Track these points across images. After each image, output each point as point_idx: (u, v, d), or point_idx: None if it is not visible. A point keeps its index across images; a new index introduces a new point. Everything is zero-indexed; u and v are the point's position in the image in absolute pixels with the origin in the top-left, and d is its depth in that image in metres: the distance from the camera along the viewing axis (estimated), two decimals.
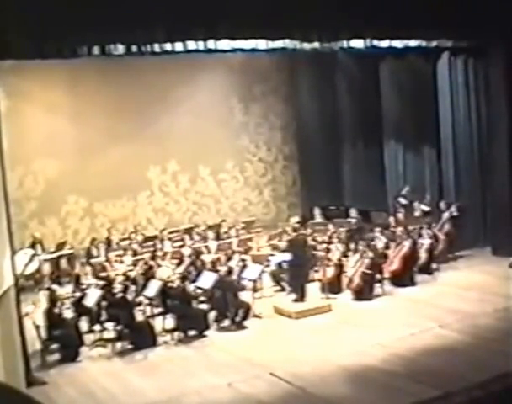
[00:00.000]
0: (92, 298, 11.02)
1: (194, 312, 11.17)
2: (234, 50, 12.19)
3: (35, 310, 10.39)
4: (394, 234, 14.00)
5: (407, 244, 13.40)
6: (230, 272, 11.76)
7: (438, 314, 11.12)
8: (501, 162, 14.46)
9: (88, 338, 10.84)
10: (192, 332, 10.95)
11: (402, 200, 15.67)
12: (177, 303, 11.08)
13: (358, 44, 12.46)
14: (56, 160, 16.32)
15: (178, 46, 10.84)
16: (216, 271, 11.91)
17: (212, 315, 11.39)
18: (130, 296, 11.01)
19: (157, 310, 11.55)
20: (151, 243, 14.50)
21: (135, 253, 13.72)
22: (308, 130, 18.93)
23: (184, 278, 12.10)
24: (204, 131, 17.92)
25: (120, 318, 10.65)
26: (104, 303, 11.13)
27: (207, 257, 13.20)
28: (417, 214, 15.15)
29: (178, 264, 12.95)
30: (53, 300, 10.56)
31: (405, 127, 16.51)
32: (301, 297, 12.02)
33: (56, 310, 10.50)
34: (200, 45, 10.96)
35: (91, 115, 16.48)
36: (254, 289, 12.28)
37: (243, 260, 12.74)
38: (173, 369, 9.73)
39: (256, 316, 11.67)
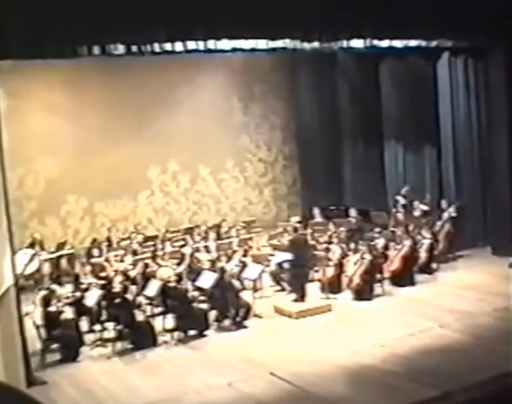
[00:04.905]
0: (92, 298, 11.03)
1: (194, 312, 11.16)
2: (234, 50, 12.16)
3: (35, 309, 10.40)
4: (394, 234, 14.02)
5: (407, 244, 13.41)
6: (224, 272, 11.71)
7: (437, 314, 11.13)
8: (501, 162, 14.48)
9: (88, 338, 10.86)
10: (192, 332, 10.97)
11: (402, 200, 15.68)
12: (177, 303, 11.09)
13: (358, 44, 12.46)
14: (56, 160, 16.33)
15: (178, 46, 10.83)
16: (215, 271, 11.91)
17: (212, 314, 11.40)
18: (130, 296, 11.01)
19: (158, 310, 11.57)
20: (151, 243, 14.50)
21: (135, 253, 13.73)
22: (308, 130, 18.93)
23: (184, 277, 12.12)
24: (204, 131, 17.93)
25: (120, 318, 10.66)
26: (104, 303, 11.14)
27: (207, 257, 13.20)
28: (417, 213, 15.16)
29: (179, 264, 12.96)
30: (51, 299, 10.56)
31: (405, 127, 16.52)
32: (301, 297, 12.03)
33: (56, 310, 10.50)
34: (200, 45, 10.95)
35: (91, 115, 16.48)
36: (254, 289, 12.30)
37: (243, 260, 12.76)
38: (173, 368, 9.74)
39: (256, 315, 11.69)
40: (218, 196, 18.76)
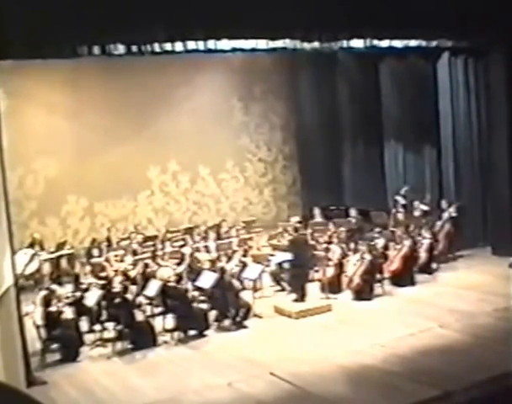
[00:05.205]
0: (92, 298, 11.03)
1: (194, 312, 11.16)
2: (234, 50, 12.18)
3: (35, 309, 10.40)
4: (394, 234, 14.02)
5: (407, 244, 13.40)
6: (224, 272, 11.70)
7: (438, 314, 11.12)
8: (501, 162, 14.48)
9: (88, 338, 10.85)
10: (192, 332, 10.96)
11: (402, 200, 15.68)
12: (177, 303, 11.09)
13: (358, 44, 12.46)
14: (56, 159, 16.33)
15: (178, 46, 10.83)
16: (215, 271, 11.91)
17: (212, 314, 11.40)
18: (130, 296, 11.00)
19: (158, 310, 11.57)
20: (151, 243, 14.50)
21: (135, 253, 13.73)
22: (308, 129, 18.93)
23: (184, 277, 12.12)
24: (204, 131, 17.93)
25: (120, 318, 10.66)
26: (104, 303, 11.14)
27: (207, 257, 13.21)
28: (417, 213, 15.16)
29: (179, 264, 12.96)
30: (51, 299, 10.56)
31: (405, 127, 16.53)
32: (301, 297, 12.02)
33: (56, 310, 10.50)
34: (200, 45, 10.96)
35: (91, 115, 16.48)
36: (254, 289, 12.30)
37: (243, 260, 12.76)
38: (173, 368, 9.74)
39: (256, 315, 11.69)
40: (218, 196, 18.77)
